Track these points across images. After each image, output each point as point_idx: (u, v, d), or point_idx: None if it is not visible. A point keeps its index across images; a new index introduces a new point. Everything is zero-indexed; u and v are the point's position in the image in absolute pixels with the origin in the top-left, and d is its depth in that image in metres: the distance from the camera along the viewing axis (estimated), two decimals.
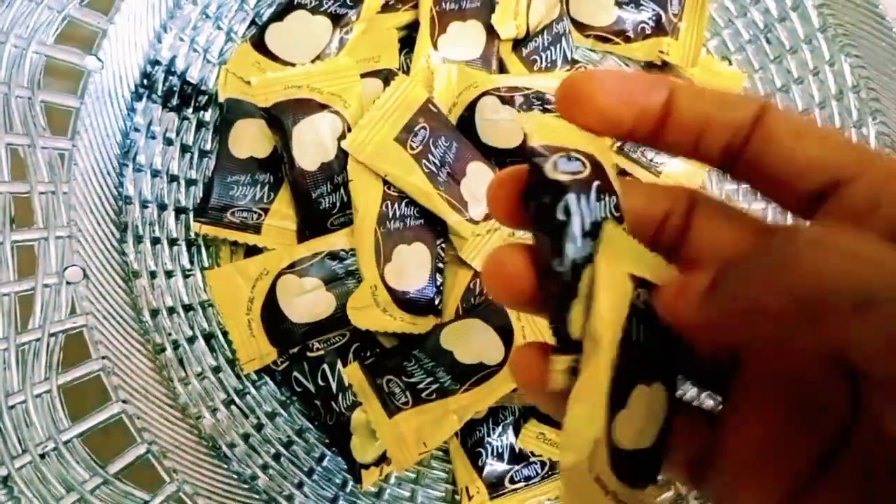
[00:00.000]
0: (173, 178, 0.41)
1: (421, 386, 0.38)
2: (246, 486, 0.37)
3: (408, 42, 0.46)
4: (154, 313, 0.38)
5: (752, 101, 0.19)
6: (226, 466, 0.37)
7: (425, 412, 0.38)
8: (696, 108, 0.19)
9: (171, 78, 0.41)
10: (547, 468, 0.42)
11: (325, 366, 0.40)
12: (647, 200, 0.21)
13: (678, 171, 0.45)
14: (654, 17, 0.46)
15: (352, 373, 0.39)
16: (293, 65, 0.42)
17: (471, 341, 0.39)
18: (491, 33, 0.45)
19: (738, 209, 0.20)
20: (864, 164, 0.18)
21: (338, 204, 0.41)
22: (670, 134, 0.20)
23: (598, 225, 0.18)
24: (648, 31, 0.46)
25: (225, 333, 0.40)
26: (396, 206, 0.40)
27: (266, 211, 0.41)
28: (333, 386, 0.39)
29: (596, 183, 0.18)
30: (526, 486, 0.41)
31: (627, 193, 0.19)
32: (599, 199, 0.18)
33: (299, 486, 0.39)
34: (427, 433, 0.37)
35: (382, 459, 0.39)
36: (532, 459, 0.42)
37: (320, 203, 0.41)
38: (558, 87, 0.19)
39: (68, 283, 0.35)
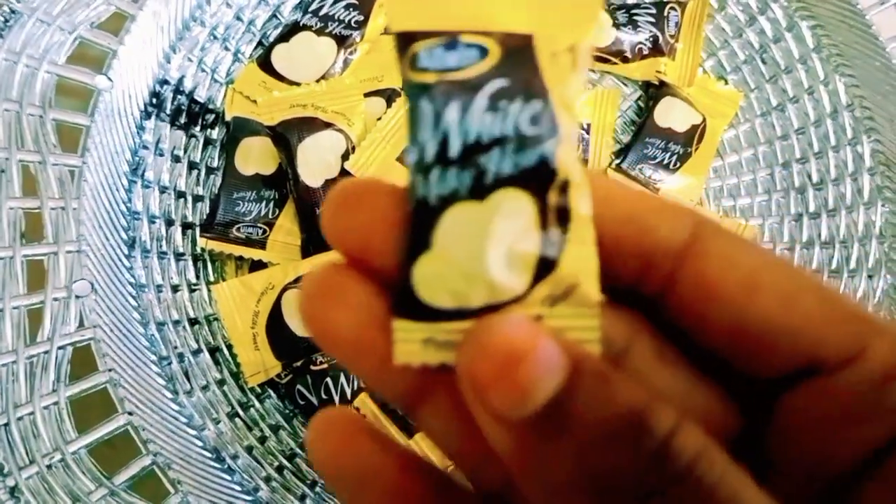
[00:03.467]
0: (181, 195, 0.42)
1: None
2: (249, 498, 0.37)
3: None
4: (160, 326, 0.39)
5: (679, 215, 0.14)
6: (229, 478, 0.37)
7: None
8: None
9: (179, 97, 0.42)
10: None
11: (329, 379, 0.40)
12: (632, 215, 0.14)
13: (677, 186, 0.46)
14: (651, 38, 0.47)
15: (362, 403, 0.39)
16: (298, 84, 0.43)
17: None
18: None
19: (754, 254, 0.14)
20: (859, 341, 0.12)
21: None
22: None
23: (484, 147, 0.12)
24: (646, 52, 0.47)
25: (230, 347, 0.41)
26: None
27: (271, 226, 0.42)
28: (336, 399, 0.40)
29: (496, 83, 0.12)
30: None
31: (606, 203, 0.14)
32: (496, 107, 0.12)
33: (302, 498, 0.39)
34: None
35: None
36: None
37: None
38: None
39: (77, 296, 0.36)
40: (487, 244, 0.12)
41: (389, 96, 0.44)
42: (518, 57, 0.12)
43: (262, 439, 0.40)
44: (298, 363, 0.41)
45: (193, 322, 0.41)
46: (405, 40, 0.12)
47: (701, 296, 0.13)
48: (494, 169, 0.12)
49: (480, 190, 0.12)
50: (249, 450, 0.39)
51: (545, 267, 0.13)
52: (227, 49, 0.44)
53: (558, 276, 0.13)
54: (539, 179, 0.13)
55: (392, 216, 0.13)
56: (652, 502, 0.11)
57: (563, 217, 0.13)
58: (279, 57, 0.44)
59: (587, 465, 0.11)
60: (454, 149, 0.12)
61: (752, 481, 0.11)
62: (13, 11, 0.37)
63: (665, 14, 0.47)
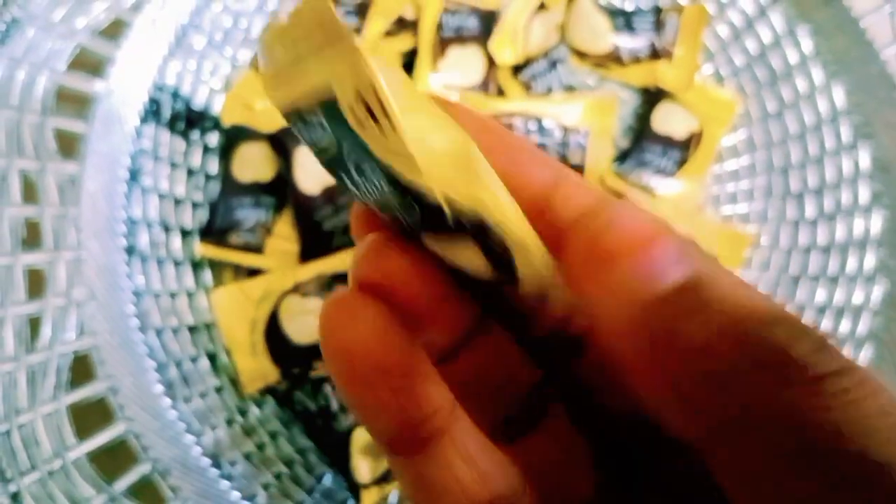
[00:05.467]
0: (179, 201, 0.42)
1: None
2: None
3: (410, 68, 0.47)
4: (159, 333, 0.39)
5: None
6: (228, 484, 0.38)
7: None
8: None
9: (177, 103, 0.42)
10: None
11: (327, 386, 0.40)
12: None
13: (675, 192, 0.46)
14: (649, 44, 0.47)
15: None
16: None
17: None
18: (491, 59, 0.46)
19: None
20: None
21: (340, 226, 0.42)
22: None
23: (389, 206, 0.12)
24: (644, 58, 0.47)
25: (228, 353, 0.41)
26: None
27: (269, 233, 0.42)
28: (334, 406, 0.40)
29: (349, 153, 0.12)
30: None
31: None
32: (361, 172, 0.12)
33: None
34: None
35: (382, 479, 0.40)
36: None
37: (323, 225, 0.41)
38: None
39: (76, 303, 0.36)
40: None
41: None
42: (336, 120, 0.12)
43: (261, 446, 0.40)
44: (297, 370, 0.41)
45: (192, 329, 0.41)
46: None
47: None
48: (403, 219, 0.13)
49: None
50: (248, 456, 0.39)
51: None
52: (224, 55, 0.44)
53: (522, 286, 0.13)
54: (438, 219, 0.12)
55: (389, 324, 0.13)
56: (824, 385, 0.10)
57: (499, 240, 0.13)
58: None
59: (734, 335, 0.11)
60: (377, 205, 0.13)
61: None
62: (14, 19, 0.37)
63: (663, 20, 0.47)
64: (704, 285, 0.11)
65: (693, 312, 0.11)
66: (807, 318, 0.43)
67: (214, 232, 0.42)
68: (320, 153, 0.13)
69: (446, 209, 0.12)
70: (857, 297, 0.43)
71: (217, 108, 0.44)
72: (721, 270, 0.12)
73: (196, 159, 0.43)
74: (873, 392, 0.10)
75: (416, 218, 0.12)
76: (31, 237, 0.36)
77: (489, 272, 0.13)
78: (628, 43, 0.47)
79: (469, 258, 0.13)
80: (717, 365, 0.11)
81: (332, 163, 0.13)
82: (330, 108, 0.11)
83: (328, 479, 0.41)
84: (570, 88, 0.47)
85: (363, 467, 0.39)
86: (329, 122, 0.12)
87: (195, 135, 0.43)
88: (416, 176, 0.11)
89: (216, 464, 0.38)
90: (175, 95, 0.42)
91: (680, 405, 0.11)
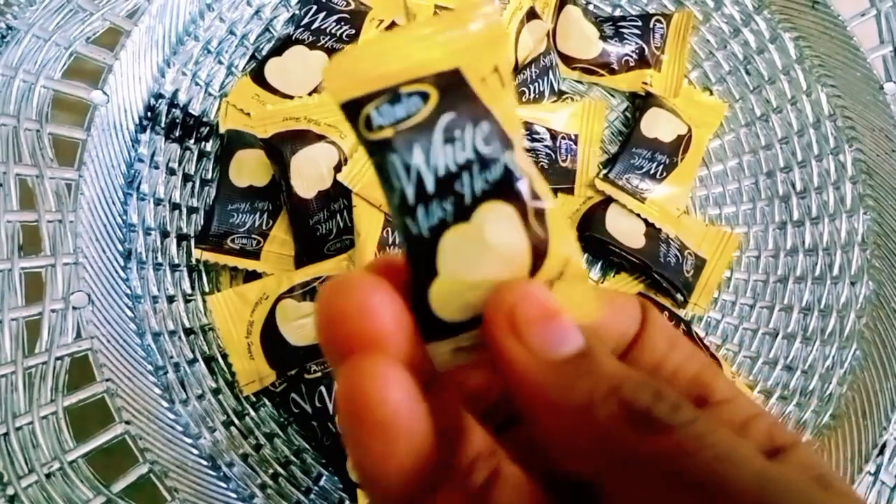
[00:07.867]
0: (175, 207, 0.43)
1: None
2: None
3: None
4: (156, 336, 0.39)
5: (634, 305, 0.18)
6: (225, 486, 0.38)
7: None
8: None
9: (173, 110, 0.43)
10: None
11: (323, 388, 0.41)
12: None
13: (663, 195, 0.47)
14: (637, 50, 0.48)
15: None
16: (291, 97, 0.44)
17: None
18: None
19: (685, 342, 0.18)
20: (730, 391, 0.17)
21: (334, 230, 0.42)
22: None
23: (455, 174, 0.14)
24: (632, 64, 0.48)
25: (225, 356, 0.42)
26: (396, 232, 0.42)
27: (265, 237, 0.43)
28: (330, 407, 0.41)
29: (445, 118, 0.14)
30: None
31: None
32: (452, 138, 0.14)
33: None
34: None
35: None
36: None
37: (317, 229, 0.42)
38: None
39: (74, 308, 0.37)
40: (485, 253, 0.14)
41: None
42: (454, 91, 0.14)
43: (258, 447, 0.41)
44: (293, 372, 0.41)
45: (189, 332, 0.41)
46: (353, 108, 0.14)
47: (639, 352, 0.18)
48: (469, 190, 0.14)
49: (464, 212, 0.14)
50: (245, 457, 0.40)
51: (538, 256, 0.15)
52: (220, 63, 0.45)
53: (550, 262, 0.15)
54: (510, 186, 0.14)
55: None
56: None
57: (540, 212, 0.14)
58: (272, 70, 0.44)
59: (615, 396, 0.14)
60: (429, 185, 0.14)
61: None
62: (9, 28, 0.38)
63: (651, 26, 0.48)
64: (594, 355, 0.15)
65: (585, 374, 0.14)
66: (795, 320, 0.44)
67: (211, 237, 0.42)
68: (393, 126, 0.14)
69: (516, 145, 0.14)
70: (843, 297, 0.44)
71: (213, 115, 0.44)
72: (603, 347, 0.15)
73: (192, 165, 0.44)
74: (724, 435, 0.14)
75: (491, 179, 0.14)
76: (29, 242, 0.36)
77: (520, 231, 0.14)
78: (617, 49, 0.48)
79: (497, 220, 0.14)
80: (601, 417, 0.14)
81: (395, 139, 0.14)
82: (447, 78, 0.14)
83: (325, 480, 0.42)
84: (559, 94, 0.48)
85: None
86: (439, 92, 0.14)
87: (192, 141, 0.44)
88: (512, 123, 0.14)
89: (214, 465, 0.38)
90: (172, 103, 0.42)
91: (572, 449, 0.14)
